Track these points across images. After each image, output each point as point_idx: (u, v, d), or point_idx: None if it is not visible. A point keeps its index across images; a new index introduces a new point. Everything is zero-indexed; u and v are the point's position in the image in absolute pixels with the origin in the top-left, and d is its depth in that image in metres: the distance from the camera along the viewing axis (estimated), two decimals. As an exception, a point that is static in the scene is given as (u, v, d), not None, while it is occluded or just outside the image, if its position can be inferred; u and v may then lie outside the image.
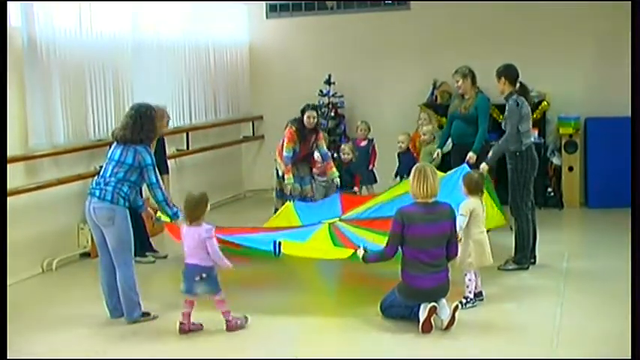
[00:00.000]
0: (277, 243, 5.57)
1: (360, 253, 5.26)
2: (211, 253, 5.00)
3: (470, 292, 5.50)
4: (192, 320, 5.09)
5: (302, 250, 5.86)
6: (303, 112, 7.83)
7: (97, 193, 5.20)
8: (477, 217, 5.52)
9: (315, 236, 6.23)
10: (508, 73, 6.53)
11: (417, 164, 5.34)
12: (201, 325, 5.11)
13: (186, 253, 5.07)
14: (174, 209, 5.38)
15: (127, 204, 5.23)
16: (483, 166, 6.49)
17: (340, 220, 6.75)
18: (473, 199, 5.61)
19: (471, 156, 7.16)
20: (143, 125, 5.21)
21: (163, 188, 5.39)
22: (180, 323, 5.06)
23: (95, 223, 5.28)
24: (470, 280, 5.51)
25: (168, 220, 5.62)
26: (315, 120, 7.84)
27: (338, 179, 7.94)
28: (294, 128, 7.78)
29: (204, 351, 4.83)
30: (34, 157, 6.69)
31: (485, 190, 5.92)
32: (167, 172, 7.41)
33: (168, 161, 8.77)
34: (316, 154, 8.04)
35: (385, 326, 5.14)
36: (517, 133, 6.38)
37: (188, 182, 9.19)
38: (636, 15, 4.74)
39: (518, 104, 6.40)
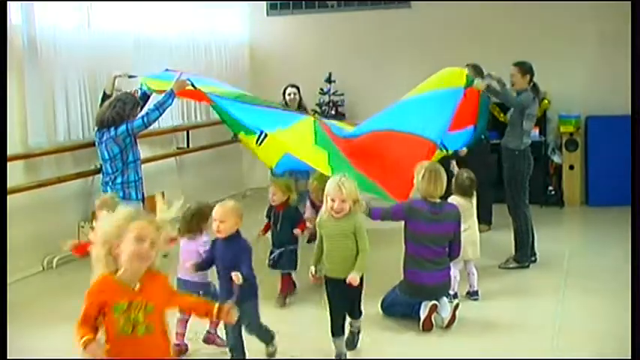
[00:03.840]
0: (264, 134, 5.80)
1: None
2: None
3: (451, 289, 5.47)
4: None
5: (284, 142, 5.89)
6: (284, 92, 8.04)
7: (109, 190, 5.33)
8: (463, 215, 5.45)
9: (299, 123, 6.23)
10: (530, 69, 6.50)
11: (427, 163, 5.24)
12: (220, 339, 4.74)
13: (182, 269, 4.65)
14: (166, 94, 5.43)
15: (139, 195, 5.31)
16: (478, 82, 6.42)
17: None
18: (462, 200, 5.57)
19: (463, 150, 7.06)
20: (116, 105, 5.35)
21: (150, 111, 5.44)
22: (176, 345, 4.64)
23: None
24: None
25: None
26: (297, 97, 8.04)
27: None
28: None
29: (203, 349, 4.83)
30: (35, 155, 6.69)
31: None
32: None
33: (169, 159, 8.81)
34: None
35: (386, 325, 5.14)
36: (520, 130, 6.38)
37: (189, 180, 9.19)
38: (636, 15, 4.74)
39: (534, 99, 6.42)
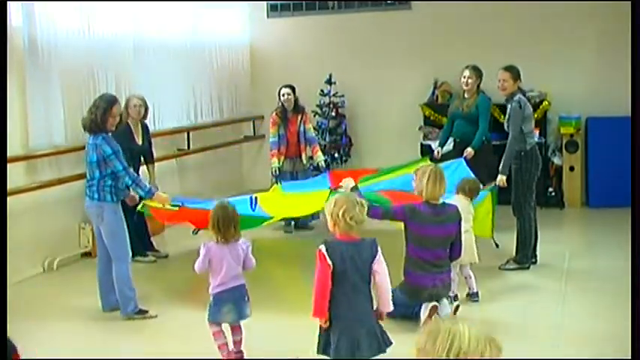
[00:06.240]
0: (254, 198, 5.83)
1: (348, 183, 5.21)
2: (252, 265, 4.63)
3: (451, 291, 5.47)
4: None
5: (278, 208, 5.98)
6: (279, 93, 8.12)
7: (88, 192, 5.44)
8: (463, 216, 5.45)
9: (316, 192, 6.27)
10: (517, 72, 6.51)
11: (426, 165, 5.24)
12: None
13: (226, 277, 4.48)
14: (146, 188, 5.50)
15: (115, 198, 5.36)
16: (501, 177, 6.37)
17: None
18: (462, 198, 5.58)
19: (469, 152, 7.21)
20: (92, 112, 5.36)
21: (131, 172, 5.45)
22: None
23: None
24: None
25: (151, 204, 5.75)
26: (291, 97, 8.08)
27: (324, 162, 8.27)
28: (275, 112, 8.11)
29: (203, 350, 4.83)
30: (35, 156, 6.69)
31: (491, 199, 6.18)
32: (152, 162, 7.32)
33: (170, 161, 8.81)
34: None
35: (386, 325, 5.11)
36: (521, 133, 6.38)
37: (189, 182, 9.20)
38: (636, 15, 4.74)
39: (521, 106, 6.39)
